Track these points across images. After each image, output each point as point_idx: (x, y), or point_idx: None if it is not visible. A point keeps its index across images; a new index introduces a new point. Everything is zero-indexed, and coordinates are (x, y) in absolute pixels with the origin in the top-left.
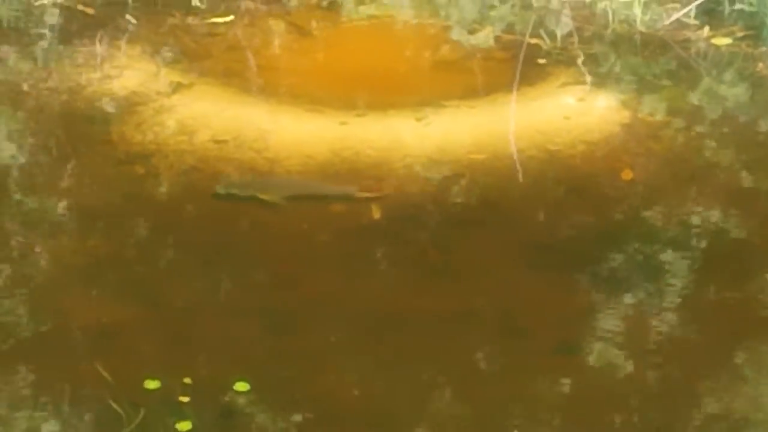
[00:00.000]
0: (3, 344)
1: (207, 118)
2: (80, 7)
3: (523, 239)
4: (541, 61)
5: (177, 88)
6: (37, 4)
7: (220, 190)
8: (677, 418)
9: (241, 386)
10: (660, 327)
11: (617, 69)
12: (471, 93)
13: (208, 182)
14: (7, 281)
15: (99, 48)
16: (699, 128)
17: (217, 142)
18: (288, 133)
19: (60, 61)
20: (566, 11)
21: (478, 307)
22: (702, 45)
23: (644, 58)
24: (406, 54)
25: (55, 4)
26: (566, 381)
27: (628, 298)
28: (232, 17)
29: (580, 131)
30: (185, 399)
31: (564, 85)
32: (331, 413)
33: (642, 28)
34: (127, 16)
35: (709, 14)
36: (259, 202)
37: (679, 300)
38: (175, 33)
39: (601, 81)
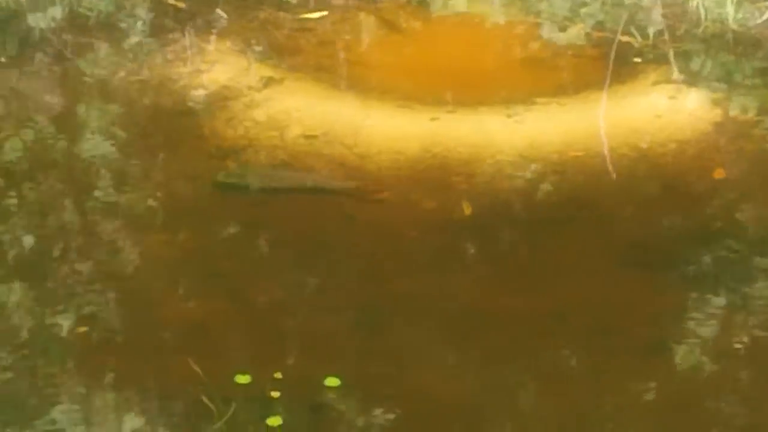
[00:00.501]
0: (95, 338)
1: (298, 113)
2: (171, 0)
3: (614, 237)
4: (633, 59)
5: (268, 83)
6: None
7: (221, 178)
8: None
9: (332, 382)
10: (752, 328)
11: (709, 67)
12: (562, 90)
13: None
14: (99, 275)
15: (189, 42)
16: None
17: (308, 137)
18: (378, 128)
19: (150, 55)
20: (658, 9)
21: (568, 305)
22: None
23: (736, 57)
24: (497, 50)
25: None
26: (657, 381)
27: (720, 298)
28: (325, 13)
29: (672, 129)
30: (276, 394)
31: (655, 83)
32: (421, 410)
33: (734, 26)
34: (218, 11)
35: None
36: (257, 192)
37: None
38: (266, 28)
39: (692, 79)
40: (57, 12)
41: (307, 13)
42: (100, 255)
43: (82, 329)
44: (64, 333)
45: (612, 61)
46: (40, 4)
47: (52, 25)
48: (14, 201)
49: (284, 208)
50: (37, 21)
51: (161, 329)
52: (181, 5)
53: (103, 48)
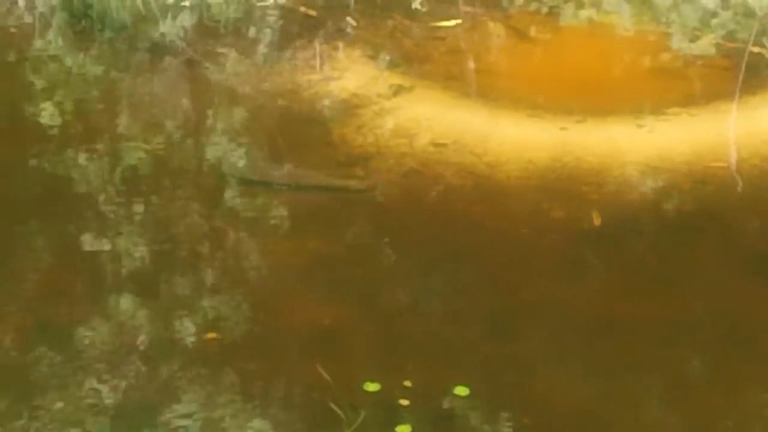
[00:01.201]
0: (224, 344)
1: (427, 121)
2: (302, 8)
3: (744, 248)
4: (764, 70)
5: (397, 90)
6: (259, 5)
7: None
8: None
9: (461, 390)
10: None
11: None
12: (692, 100)
13: (427, 185)
14: (227, 281)
15: (319, 49)
16: None
17: (437, 145)
18: (508, 137)
19: (280, 62)
20: None
21: (697, 315)
22: None
23: None
24: (626, 60)
25: (276, 6)
26: None
27: None
28: (459, 21)
29: None
30: (405, 402)
31: None
32: (549, 420)
33: None
34: (348, 18)
35: None
36: (264, 187)
37: None
38: (395, 36)
39: None
40: (187, 19)
41: (437, 21)
42: (228, 261)
43: (211, 335)
44: (193, 339)
45: (743, 72)
46: (171, 11)
47: (182, 32)
48: (142, 206)
49: (411, 215)
50: (168, 28)
51: (290, 336)
52: (312, 13)
53: (232, 55)
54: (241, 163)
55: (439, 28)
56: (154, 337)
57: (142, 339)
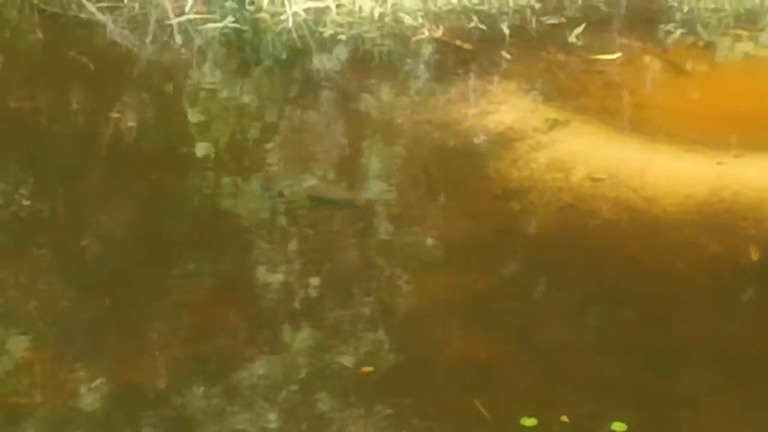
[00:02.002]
0: (379, 378)
1: (583, 155)
2: (457, 42)
3: None
4: None
5: (553, 124)
6: (414, 39)
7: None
8: None
9: (619, 426)
10: None
11: None
12: None
13: (583, 220)
14: (383, 314)
15: (474, 83)
16: None
17: (593, 180)
18: (665, 171)
19: (435, 95)
20: None
21: None
22: None
23: None
24: None
25: (431, 39)
26: None
27: None
28: (619, 54)
29: None
30: None
31: None
32: None
33: None
34: (503, 52)
35: None
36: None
37: None
38: (551, 69)
39: None
40: (342, 52)
41: (595, 54)
42: (383, 295)
43: (367, 369)
44: (348, 372)
45: None
46: (327, 44)
47: (337, 65)
48: (298, 240)
49: (567, 249)
50: (323, 61)
51: (447, 370)
52: (467, 46)
53: (387, 88)
54: (394, 197)
55: (595, 61)
56: (309, 369)
57: (297, 371)
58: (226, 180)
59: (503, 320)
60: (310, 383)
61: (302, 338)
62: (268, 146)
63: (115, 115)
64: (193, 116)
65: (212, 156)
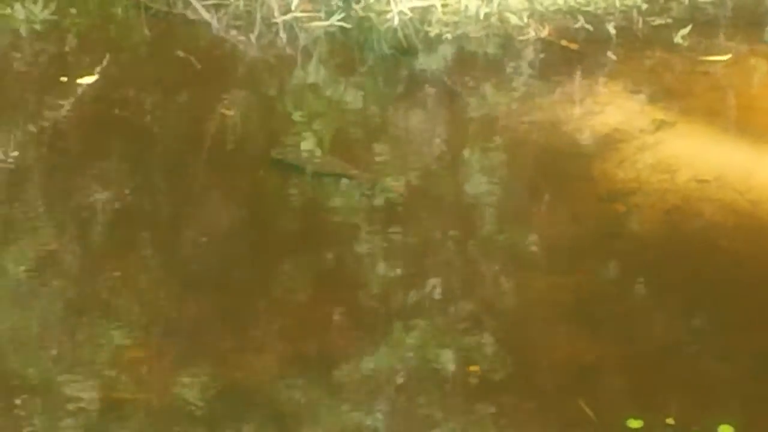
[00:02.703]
0: (485, 377)
1: (689, 157)
2: (563, 42)
3: None
4: None
5: (659, 125)
6: (519, 38)
7: (276, 155)
8: None
9: (725, 429)
10: None
11: None
12: None
13: (688, 222)
14: (487, 314)
15: (580, 83)
16: None
17: (699, 181)
18: None
19: (540, 95)
20: None
21: None
22: None
23: None
24: None
25: (537, 39)
26: None
27: None
28: (729, 56)
29: None
30: None
31: None
32: None
33: None
34: (608, 53)
35: None
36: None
37: None
38: (657, 70)
39: None
40: (447, 51)
41: (704, 56)
42: (487, 295)
43: (473, 368)
44: (455, 371)
45: None
46: (432, 43)
47: (442, 64)
48: (400, 237)
49: (673, 251)
50: (428, 60)
51: (552, 370)
52: (573, 47)
53: (492, 88)
54: (498, 198)
55: (701, 62)
56: (415, 368)
57: (401, 370)
58: (329, 178)
59: (608, 322)
60: (415, 382)
61: (406, 337)
62: (371, 145)
63: (228, 112)
64: (297, 114)
65: (317, 153)
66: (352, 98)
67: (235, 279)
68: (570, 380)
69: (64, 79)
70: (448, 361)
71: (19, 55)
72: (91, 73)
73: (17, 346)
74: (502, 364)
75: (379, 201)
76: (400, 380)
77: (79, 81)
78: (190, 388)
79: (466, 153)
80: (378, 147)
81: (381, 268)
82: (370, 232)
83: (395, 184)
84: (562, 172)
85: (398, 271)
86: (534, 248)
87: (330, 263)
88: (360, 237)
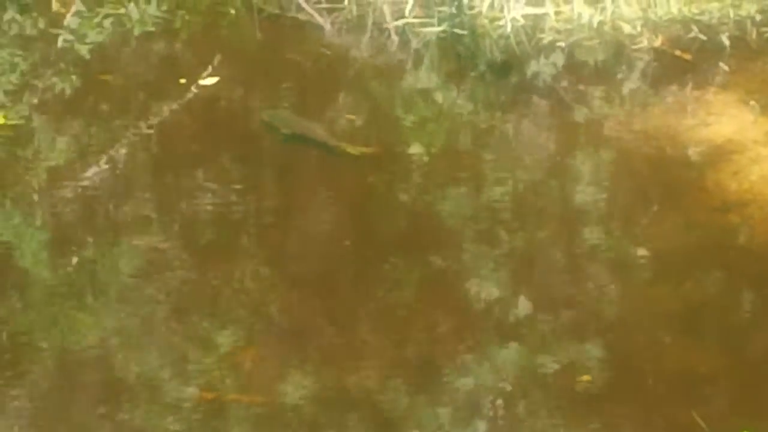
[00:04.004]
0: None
1: None
2: (677, 52)
3: None
4: None
5: None
6: (633, 47)
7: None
8: None
9: None
10: None
11: None
12: None
13: None
14: (602, 325)
15: (692, 93)
16: None
17: None
18: None
19: (651, 105)
20: None
21: None
22: None
23: None
24: None
25: (650, 49)
26: None
27: None
28: None
29: None
30: None
31: None
32: None
33: None
34: (721, 63)
35: None
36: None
37: None
38: None
39: None
40: (558, 59)
41: None
42: (597, 303)
43: (585, 378)
44: (564, 381)
45: None
46: (544, 51)
47: (553, 71)
48: (503, 246)
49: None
50: (539, 67)
51: (663, 380)
52: (686, 57)
53: (602, 96)
54: (607, 205)
55: None
56: (523, 376)
57: (510, 378)
58: (437, 183)
59: (719, 332)
60: (525, 391)
61: (513, 345)
62: (480, 151)
63: (349, 116)
64: (408, 119)
65: (425, 159)
66: (462, 104)
67: (341, 279)
68: (681, 391)
69: (183, 80)
70: (558, 370)
71: (135, 55)
72: (211, 75)
73: (124, 346)
74: (613, 374)
75: (486, 207)
76: (507, 388)
77: (201, 82)
78: (294, 390)
79: (576, 160)
80: (485, 153)
81: (486, 276)
82: (479, 233)
83: (502, 191)
84: (674, 181)
85: (502, 278)
86: (645, 257)
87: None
88: (469, 237)
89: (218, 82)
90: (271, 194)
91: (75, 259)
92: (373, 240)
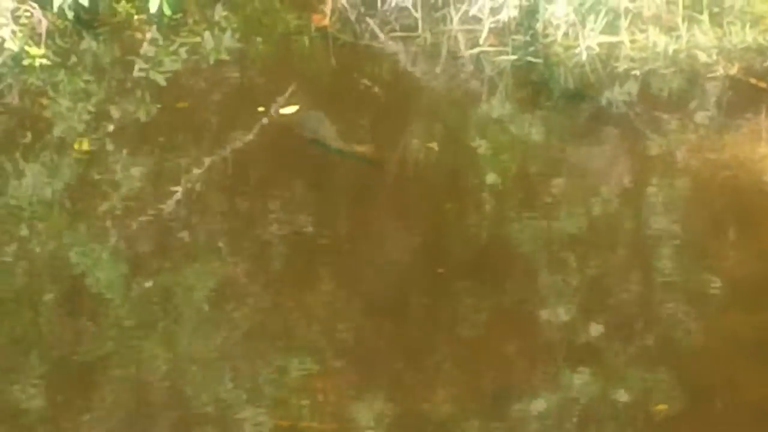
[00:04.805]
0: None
1: None
2: (752, 80)
3: None
4: None
5: None
6: (708, 76)
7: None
8: None
9: None
10: None
11: None
12: None
13: None
14: (669, 350)
15: (767, 122)
16: None
17: None
18: None
19: (726, 133)
20: None
21: None
22: None
23: None
24: None
25: (725, 77)
26: None
27: None
28: None
29: None
30: None
31: None
32: None
33: None
34: None
35: None
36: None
37: None
38: None
39: None
40: (633, 88)
41: None
42: (672, 332)
43: (661, 407)
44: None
45: None
46: (618, 79)
47: (626, 99)
48: (579, 275)
49: None
50: (613, 96)
51: (742, 409)
52: (762, 85)
53: (676, 125)
54: (681, 233)
55: None
56: (597, 405)
57: (583, 407)
58: (510, 211)
59: None
60: (599, 419)
61: (586, 372)
62: (553, 180)
63: (430, 145)
64: (482, 148)
65: (499, 187)
66: (535, 133)
67: (414, 306)
68: (758, 421)
69: (261, 108)
70: (633, 398)
71: (210, 83)
72: (287, 104)
73: (197, 374)
74: (689, 403)
75: (559, 235)
76: (581, 417)
77: (281, 111)
78: (367, 417)
79: (650, 189)
80: (558, 181)
81: (558, 304)
82: (552, 261)
83: (575, 219)
84: (748, 209)
85: (575, 307)
86: (718, 285)
87: (509, 298)
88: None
89: (301, 110)
90: (344, 221)
91: (148, 286)
92: (446, 267)
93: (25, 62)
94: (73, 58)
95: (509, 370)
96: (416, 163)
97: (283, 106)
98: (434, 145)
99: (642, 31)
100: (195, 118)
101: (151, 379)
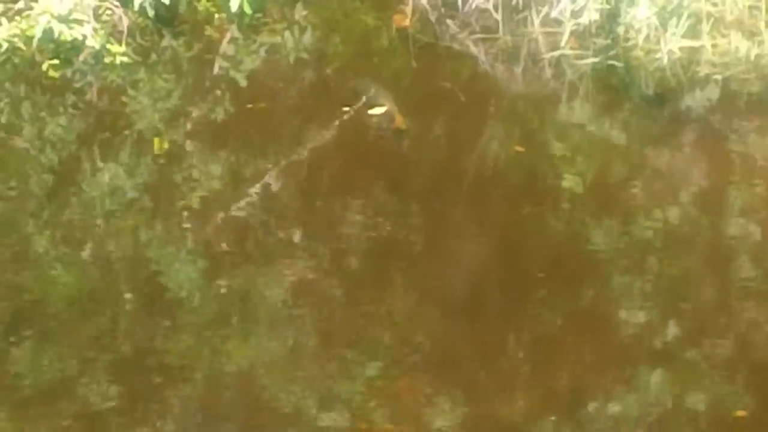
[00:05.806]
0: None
1: None
2: None
3: None
4: None
5: None
6: None
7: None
8: None
9: None
10: None
11: None
12: None
13: None
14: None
15: None
16: None
17: None
18: None
19: None
20: None
21: None
22: None
23: None
24: None
25: None
26: None
27: None
28: None
29: None
30: None
31: None
32: None
33: None
34: None
35: None
36: None
37: None
38: None
39: None
40: (713, 92)
41: None
42: (748, 337)
43: (740, 413)
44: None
45: None
46: (700, 84)
47: (708, 103)
48: (650, 277)
49: None
50: (694, 100)
51: None
52: None
53: (755, 129)
54: (759, 238)
55: None
56: (674, 410)
57: (656, 411)
58: (589, 214)
59: None
60: (678, 425)
61: (663, 376)
62: (632, 183)
63: (518, 148)
64: (562, 151)
65: (577, 190)
66: (615, 136)
67: (490, 309)
68: None
69: (346, 108)
70: (709, 403)
71: (290, 82)
72: (381, 104)
73: (273, 374)
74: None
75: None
76: (657, 423)
77: (370, 112)
78: (444, 419)
79: (729, 193)
80: (637, 185)
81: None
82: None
83: (654, 222)
84: None
85: (651, 310)
86: None
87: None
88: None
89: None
90: (421, 223)
91: (225, 285)
92: (523, 270)
93: (106, 60)
94: (153, 56)
95: (585, 372)
96: (495, 165)
97: (369, 107)
98: (521, 148)
99: (724, 35)
100: (274, 117)
101: (225, 377)
